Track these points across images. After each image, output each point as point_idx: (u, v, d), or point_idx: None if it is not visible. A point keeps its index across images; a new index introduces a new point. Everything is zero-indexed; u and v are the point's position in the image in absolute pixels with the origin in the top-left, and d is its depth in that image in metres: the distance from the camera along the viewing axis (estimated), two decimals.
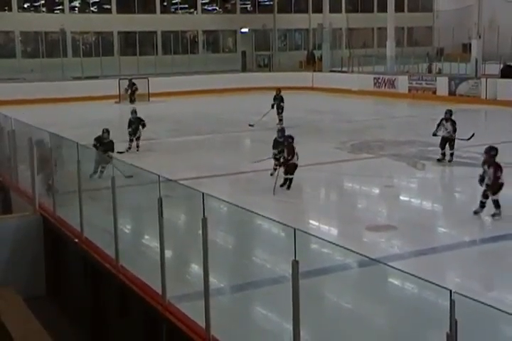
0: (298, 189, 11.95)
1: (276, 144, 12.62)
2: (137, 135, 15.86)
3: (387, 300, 6.94)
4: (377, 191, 12.71)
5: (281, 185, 11.75)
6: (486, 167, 9.60)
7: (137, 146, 15.93)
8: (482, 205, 9.71)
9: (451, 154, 14.09)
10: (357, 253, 7.72)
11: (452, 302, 2.73)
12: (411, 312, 5.99)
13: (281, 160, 12.07)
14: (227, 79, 33.26)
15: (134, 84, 28.82)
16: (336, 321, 6.55)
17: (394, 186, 12.91)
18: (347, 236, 9.21)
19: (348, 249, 7.63)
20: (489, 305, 3.03)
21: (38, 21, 33.38)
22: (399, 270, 5.97)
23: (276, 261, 7.61)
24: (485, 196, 9.67)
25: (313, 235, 6.01)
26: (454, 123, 13.90)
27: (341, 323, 6.31)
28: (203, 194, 5.51)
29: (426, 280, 3.27)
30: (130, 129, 15.86)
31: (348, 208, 11.39)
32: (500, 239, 9.17)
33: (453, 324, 2.66)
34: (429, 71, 32.56)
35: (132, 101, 28.39)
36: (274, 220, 7.43)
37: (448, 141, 14.08)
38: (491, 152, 9.63)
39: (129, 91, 28.55)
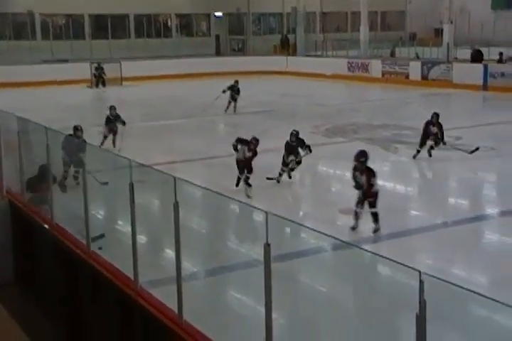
0: (272, 173, 11.92)
1: (289, 149, 11.53)
2: (115, 131, 14.44)
3: (360, 283, 6.98)
4: (349, 174, 12.74)
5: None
6: (357, 174, 8.66)
7: (113, 142, 14.41)
8: (356, 217, 8.60)
9: (432, 147, 13.19)
10: (330, 236, 7.77)
11: (421, 283, 2.73)
12: (383, 295, 6.02)
13: (291, 165, 11.44)
14: (201, 63, 32.97)
15: (101, 68, 28.44)
16: (310, 304, 6.56)
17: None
18: (321, 219, 9.23)
19: (322, 233, 7.68)
20: (457, 286, 3.04)
21: (4, 2, 32.55)
22: (371, 252, 6.01)
23: (250, 245, 7.61)
24: (360, 205, 8.63)
25: (286, 219, 6.01)
26: (441, 126, 13.10)
27: (315, 306, 6.32)
28: (174, 178, 5.44)
29: (396, 262, 3.27)
30: (107, 128, 14.40)
31: (321, 192, 11.42)
32: (472, 221, 9.28)
33: (422, 304, 2.67)
34: (392, 55, 32.70)
35: (99, 85, 28.06)
36: (247, 204, 7.43)
37: (434, 142, 13.15)
38: (361, 158, 8.66)
39: (97, 75, 28.24)
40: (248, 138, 11.13)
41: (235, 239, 8.88)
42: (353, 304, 6.60)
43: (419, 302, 2.73)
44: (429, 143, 13.05)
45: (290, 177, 11.61)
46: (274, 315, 4.19)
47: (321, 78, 30.61)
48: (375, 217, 8.45)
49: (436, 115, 13.12)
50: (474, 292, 3.17)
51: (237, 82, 20.08)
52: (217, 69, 31.96)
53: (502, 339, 5.56)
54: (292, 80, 31.29)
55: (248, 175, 10.78)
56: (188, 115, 20.01)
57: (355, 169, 8.70)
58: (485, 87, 24.60)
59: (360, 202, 8.61)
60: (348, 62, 31.18)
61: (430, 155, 13.14)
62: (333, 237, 7.43)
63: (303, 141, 11.53)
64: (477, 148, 12.59)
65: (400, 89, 26.51)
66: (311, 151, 11.42)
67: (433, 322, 3.40)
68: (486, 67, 24.82)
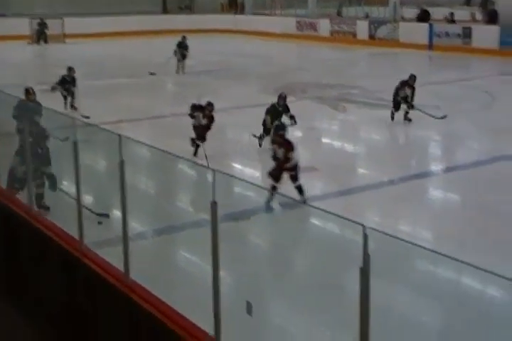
0: (222, 132, 11.79)
1: (275, 113, 10.64)
2: (73, 93, 13.89)
3: (309, 240, 7.03)
4: (299, 134, 12.73)
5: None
6: (275, 147, 8.01)
7: (72, 106, 13.90)
8: (272, 190, 7.77)
9: (407, 112, 12.64)
10: (280, 194, 7.78)
11: (365, 237, 2.73)
12: (332, 251, 6.06)
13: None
14: (147, 21, 32.18)
15: (44, 24, 27.43)
16: (259, 262, 6.58)
17: (316, 128, 12.96)
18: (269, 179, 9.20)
19: (270, 191, 7.69)
20: (402, 239, 3.06)
21: None
22: (320, 209, 6.03)
23: (197, 204, 7.55)
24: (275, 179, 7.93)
25: (235, 177, 5.95)
26: (414, 89, 12.52)
27: (263, 264, 6.34)
28: (119, 136, 5.29)
29: (340, 217, 3.26)
30: (64, 89, 13.85)
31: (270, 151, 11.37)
32: (417, 178, 9.41)
33: (366, 258, 2.67)
34: (338, 14, 32.58)
35: (40, 42, 27.10)
36: (194, 162, 7.34)
37: (405, 105, 12.68)
38: (279, 131, 8.15)
39: (39, 31, 27.27)
40: (194, 97, 10.91)
41: (184, 199, 8.81)
42: (300, 261, 6.65)
43: (363, 256, 2.73)
44: (404, 107, 12.54)
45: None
46: (221, 274, 4.17)
47: (270, 37, 30.30)
48: (300, 190, 7.85)
49: (414, 77, 12.55)
50: (419, 245, 3.19)
51: (184, 37, 19.59)
52: (163, 28, 31.25)
53: (445, 290, 5.70)
54: (240, 39, 30.88)
55: (200, 142, 10.17)
56: (134, 74, 19.54)
57: (273, 142, 8.12)
58: (430, 46, 24.80)
59: (275, 176, 7.86)
60: (297, 21, 30.91)
61: (409, 120, 12.58)
62: (282, 195, 7.48)
63: (288, 106, 10.82)
64: (445, 116, 12.18)
65: (348, 49, 26.49)
66: (296, 123, 10.60)
67: (379, 276, 3.44)
68: (431, 27, 24.98)
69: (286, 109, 10.73)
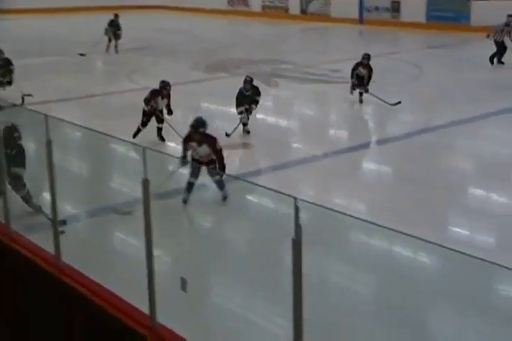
0: None
1: (241, 99, 10.07)
2: (9, 79, 12.51)
3: (246, 215, 7.03)
4: (233, 110, 12.67)
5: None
6: (194, 144, 7.22)
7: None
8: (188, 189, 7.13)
9: (361, 93, 12.20)
10: (214, 171, 7.73)
11: (296, 209, 2.73)
12: (267, 225, 6.08)
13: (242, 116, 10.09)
14: None
15: None
16: (195, 239, 6.54)
17: None
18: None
19: (206, 168, 7.63)
20: (333, 210, 3.08)
21: None
22: (254, 184, 6.03)
23: (131, 183, 7.41)
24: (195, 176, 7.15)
25: (167, 154, 5.89)
26: (371, 70, 11.96)
27: (199, 241, 6.31)
28: (45, 116, 5.10)
29: (273, 190, 3.24)
30: None
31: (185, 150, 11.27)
32: (350, 151, 9.52)
33: (298, 230, 2.67)
34: None
35: None
36: (125, 141, 7.18)
37: (361, 87, 12.13)
38: (199, 128, 7.25)
39: None
40: (125, 75, 10.63)
41: (117, 178, 8.64)
42: (235, 236, 6.64)
43: (295, 228, 2.74)
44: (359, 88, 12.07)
45: (248, 131, 10.24)
46: (157, 252, 4.11)
47: (201, 13, 29.89)
48: (221, 184, 7.18)
49: (367, 56, 11.98)
50: (349, 215, 3.22)
51: (116, 16, 19.05)
52: (89, 4, 30.34)
53: (377, 259, 5.81)
54: (170, 15, 30.35)
55: (160, 125, 9.83)
56: (61, 53, 18.94)
57: (190, 140, 7.23)
58: (361, 20, 25.03)
59: (195, 174, 7.14)
60: None
61: (361, 102, 12.16)
62: (217, 172, 7.43)
63: (258, 90, 10.23)
64: (399, 102, 11.60)
65: (280, 24, 26.43)
66: (256, 105, 10.23)
67: (312, 246, 3.46)
68: (361, 2, 25.15)
69: (257, 93, 10.14)
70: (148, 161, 4.01)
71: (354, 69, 12.04)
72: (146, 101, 9.71)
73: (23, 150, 6.83)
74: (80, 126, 6.27)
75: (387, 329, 4.73)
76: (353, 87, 12.11)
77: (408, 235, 3.02)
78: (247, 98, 10.06)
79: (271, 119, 12.22)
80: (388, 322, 4.82)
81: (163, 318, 3.94)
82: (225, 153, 7.49)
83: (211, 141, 7.20)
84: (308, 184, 8.27)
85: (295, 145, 10.24)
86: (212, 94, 13.39)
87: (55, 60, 18.01)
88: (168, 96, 9.87)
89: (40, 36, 22.85)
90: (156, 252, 4.00)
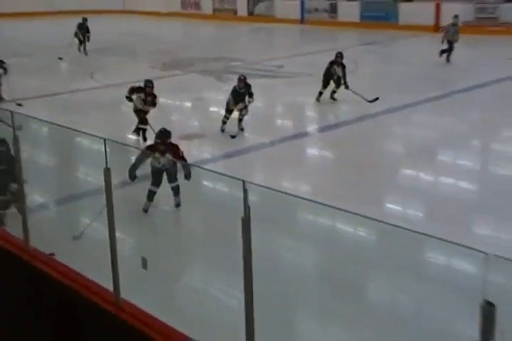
0: (115, 106, 11.40)
1: (236, 96, 9.61)
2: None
3: (199, 199, 6.97)
4: (188, 104, 12.56)
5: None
6: (157, 155, 6.56)
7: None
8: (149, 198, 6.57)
9: (334, 92, 11.71)
10: (172, 159, 7.62)
11: (245, 191, 2.69)
12: (220, 206, 6.03)
13: (241, 114, 9.65)
14: (29, 1, 29.99)
15: None
16: (154, 223, 6.46)
17: (203, 99, 12.78)
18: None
19: (167, 156, 7.51)
20: (279, 191, 3.05)
21: None
22: (206, 170, 5.97)
23: (95, 173, 7.26)
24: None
25: (127, 145, 5.78)
26: (344, 67, 11.44)
27: (159, 224, 6.23)
28: (11, 112, 4.92)
29: (223, 175, 3.20)
30: None
31: (161, 120, 11.11)
32: (294, 138, 9.53)
33: (246, 209, 2.63)
34: None
35: None
36: (87, 133, 7.00)
37: (335, 82, 11.60)
38: (167, 139, 6.63)
39: None
40: (88, 74, 10.32)
41: (83, 168, 8.46)
42: (191, 218, 6.58)
43: (244, 208, 2.70)
44: (332, 86, 11.61)
45: (242, 129, 9.78)
46: (120, 235, 4.03)
47: (157, 16, 29.43)
48: (176, 190, 6.60)
49: (340, 54, 11.43)
50: (295, 195, 3.20)
51: (85, 19, 18.51)
52: (48, 9, 29.49)
53: (321, 235, 5.84)
54: (129, 19, 29.77)
55: (144, 126, 9.21)
56: (23, 54, 18.35)
57: (156, 150, 6.62)
58: (302, 21, 25.05)
59: (156, 183, 6.57)
60: (181, 1, 30.17)
61: (334, 99, 11.72)
62: (174, 160, 7.32)
63: (250, 86, 9.73)
64: (377, 98, 11.06)
65: (230, 25, 26.23)
66: (252, 98, 9.73)
67: (262, 225, 3.44)
68: (302, 3, 25.16)
69: (249, 92, 9.66)
70: (112, 153, 3.91)
71: (329, 68, 11.42)
72: (128, 98, 9.20)
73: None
74: (46, 121, 6.08)
75: (331, 298, 4.76)
76: (323, 89, 11.57)
77: (349, 212, 3.03)
78: (242, 95, 9.60)
79: (223, 112, 12.12)
80: (332, 291, 4.86)
81: (127, 295, 3.87)
82: (183, 143, 7.37)
83: (174, 149, 6.65)
84: (257, 169, 8.26)
85: (245, 134, 10.18)
86: (168, 90, 13.20)
87: (21, 61, 17.47)
88: (153, 96, 9.22)
89: (12, 39, 22.14)
90: (118, 235, 3.92)
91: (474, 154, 9.19)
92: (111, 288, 3.81)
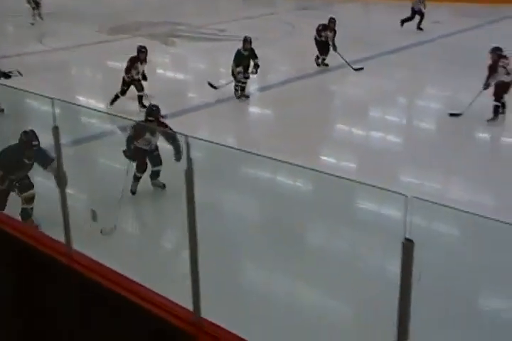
0: (63, 68, 10.91)
1: (239, 58, 8.86)
2: None
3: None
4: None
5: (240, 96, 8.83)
6: (148, 136, 5.75)
7: None
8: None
9: (324, 59, 11.07)
10: (121, 117, 7.37)
11: (188, 146, 2.59)
12: (168, 162, 5.90)
13: (245, 78, 8.90)
14: None
15: None
16: (104, 183, 6.25)
17: (150, 61, 12.35)
18: (111, 108, 8.72)
19: (115, 115, 7.23)
20: (221, 145, 2.97)
21: None
22: (157, 128, 5.80)
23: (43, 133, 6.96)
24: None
25: (73, 103, 5.52)
26: (335, 32, 10.86)
27: (108, 185, 6.01)
28: None
29: (170, 132, 3.08)
30: None
31: (107, 83, 10.73)
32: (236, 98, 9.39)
33: (189, 162, 2.54)
34: None
35: None
36: (31, 92, 6.66)
37: (326, 48, 10.96)
38: (153, 114, 5.86)
39: None
40: (36, 38, 9.69)
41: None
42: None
43: (187, 160, 2.61)
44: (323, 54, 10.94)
45: (247, 96, 9.03)
46: (71, 192, 3.88)
47: None
48: (158, 173, 5.94)
49: (333, 20, 10.85)
50: (234, 148, 3.14)
51: None
52: None
53: (262, 185, 5.84)
54: None
55: (141, 93, 8.52)
56: None
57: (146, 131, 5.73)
58: None
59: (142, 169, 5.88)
60: None
61: (327, 65, 11.03)
62: (123, 117, 7.10)
63: (254, 52, 8.94)
64: (362, 68, 10.65)
65: None
66: (257, 72, 8.98)
67: (206, 178, 3.36)
68: None
69: (253, 55, 8.91)
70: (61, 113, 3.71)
71: (320, 31, 10.84)
72: (127, 70, 8.50)
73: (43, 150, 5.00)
74: None
75: (272, 242, 4.79)
76: (320, 55, 10.94)
77: (287, 163, 2.98)
78: (245, 59, 8.89)
79: (169, 73, 11.82)
80: (272, 236, 4.88)
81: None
82: (129, 102, 7.10)
83: (168, 128, 5.76)
84: (201, 126, 8.12)
85: (190, 94, 9.99)
86: (117, 54, 12.71)
87: None
88: (145, 61, 8.66)
89: None
90: (69, 191, 3.78)
91: (401, 110, 9.33)
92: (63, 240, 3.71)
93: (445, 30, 14.04)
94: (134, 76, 8.51)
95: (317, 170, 3.23)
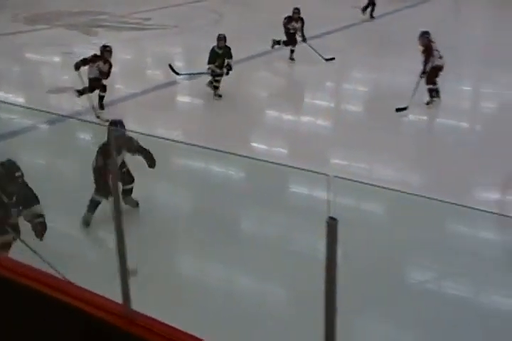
0: None
1: (213, 55, 8.43)
2: None
3: (76, 149, 6.64)
4: (57, 59, 11.70)
5: None
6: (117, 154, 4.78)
7: None
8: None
9: (292, 51, 10.68)
10: (49, 112, 7.11)
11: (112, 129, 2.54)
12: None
13: (216, 75, 8.42)
14: None
15: None
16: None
17: (73, 53, 11.96)
18: (32, 101, 8.40)
19: (40, 110, 6.96)
20: (147, 135, 2.94)
21: None
22: (84, 120, 5.65)
23: None
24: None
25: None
26: (303, 22, 10.50)
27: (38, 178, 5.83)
28: None
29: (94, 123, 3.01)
30: None
31: (25, 76, 10.33)
32: (164, 87, 9.26)
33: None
34: None
35: None
36: None
37: (294, 40, 10.58)
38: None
39: None
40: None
41: None
42: (72, 165, 6.27)
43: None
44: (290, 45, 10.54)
45: (219, 95, 8.50)
46: None
47: None
48: (131, 191, 5.18)
49: (297, 10, 10.48)
50: (164, 138, 3.10)
51: None
52: None
53: (195, 175, 5.81)
54: None
55: (103, 94, 7.99)
56: None
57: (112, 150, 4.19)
58: None
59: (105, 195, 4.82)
60: None
61: (292, 59, 10.65)
62: (51, 112, 6.87)
63: (230, 49, 8.49)
64: (333, 58, 10.37)
65: None
66: (228, 73, 8.50)
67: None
68: None
69: (228, 54, 8.50)
70: None
71: (286, 23, 10.49)
72: (84, 63, 7.80)
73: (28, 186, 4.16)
74: None
75: (205, 228, 4.79)
76: (292, 46, 10.53)
77: (218, 151, 2.99)
78: (219, 57, 8.46)
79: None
80: (205, 222, 4.88)
81: None
82: (52, 98, 6.83)
83: (129, 141, 4.94)
84: (132, 116, 7.95)
85: (117, 85, 9.74)
86: (35, 45, 12.23)
87: None
88: (110, 64, 7.98)
89: None
90: None
91: (330, 94, 9.51)
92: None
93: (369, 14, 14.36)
94: (94, 75, 7.86)
95: (245, 156, 3.28)
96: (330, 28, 13.07)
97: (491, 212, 4.72)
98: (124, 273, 2.30)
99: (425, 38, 7.88)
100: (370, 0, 14.14)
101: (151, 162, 4.98)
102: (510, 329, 3.72)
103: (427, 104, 7.99)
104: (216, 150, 4.61)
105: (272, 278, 4.36)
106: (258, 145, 7.17)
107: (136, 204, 5.16)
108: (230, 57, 8.50)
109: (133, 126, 7.37)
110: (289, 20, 10.51)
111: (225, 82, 9.07)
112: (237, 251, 4.54)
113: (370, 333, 3.85)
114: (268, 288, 4.38)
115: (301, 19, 10.51)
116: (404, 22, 13.83)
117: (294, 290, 4.21)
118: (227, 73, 8.47)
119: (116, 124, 4.94)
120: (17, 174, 3.99)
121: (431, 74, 7.87)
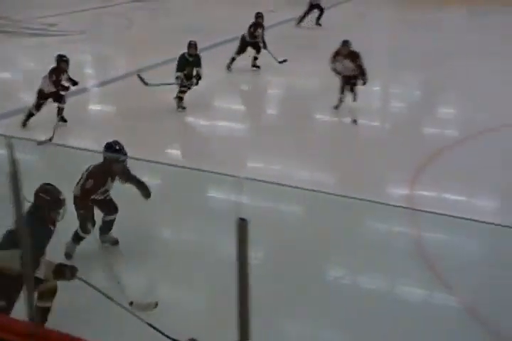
0: None
1: (183, 63, 8.00)
2: None
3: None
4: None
5: None
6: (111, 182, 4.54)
7: None
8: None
9: (255, 58, 10.34)
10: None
11: (11, 147, 2.38)
12: None
13: (183, 86, 8.00)
14: None
15: None
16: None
17: None
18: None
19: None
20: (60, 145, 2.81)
21: None
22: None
23: None
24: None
25: None
26: (264, 28, 10.28)
27: None
28: None
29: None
30: None
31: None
32: (102, 85, 8.93)
33: (14, 164, 2.29)
34: None
35: None
36: None
37: (257, 47, 10.26)
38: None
39: None
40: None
41: None
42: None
43: (11, 162, 2.40)
44: (252, 53, 10.22)
45: (183, 107, 8.10)
46: None
47: None
48: (113, 223, 4.71)
49: (261, 15, 10.19)
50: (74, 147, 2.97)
51: None
52: None
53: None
54: None
55: (62, 105, 7.34)
56: None
57: (111, 177, 4.49)
58: None
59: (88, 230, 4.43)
60: None
61: (257, 67, 10.40)
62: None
63: (200, 59, 8.11)
64: (285, 60, 10.13)
65: None
66: (197, 84, 8.10)
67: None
68: None
69: (198, 63, 8.09)
70: None
71: (254, 31, 10.10)
72: (57, 83, 7.22)
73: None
74: None
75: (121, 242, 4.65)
76: (257, 52, 10.22)
77: (135, 159, 2.90)
78: (189, 65, 8.03)
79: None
80: (121, 236, 4.74)
81: None
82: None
83: (126, 169, 4.48)
84: (33, 127, 7.56)
85: (19, 95, 9.29)
86: None
87: None
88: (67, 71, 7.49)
89: None
90: None
91: (247, 97, 9.59)
92: None
93: (280, 17, 14.53)
94: (45, 88, 7.30)
95: (157, 162, 3.23)
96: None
97: (401, 206, 4.93)
98: (31, 290, 2.19)
99: (347, 48, 7.81)
100: (311, 6, 14.03)
101: (146, 191, 4.44)
102: (421, 318, 3.90)
103: (336, 108, 8.12)
104: (133, 158, 4.52)
105: (187, 283, 4.34)
106: (174, 151, 7.09)
107: (116, 242, 4.66)
108: (199, 66, 8.12)
109: (33, 135, 7.00)
110: (255, 27, 10.13)
111: (135, 88, 8.84)
112: (158, 256, 4.46)
113: (287, 332, 3.91)
114: (186, 296, 4.34)
115: (263, 26, 10.27)
116: (313, 26, 14.20)
117: (211, 293, 4.21)
118: (197, 83, 8.11)
119: (115, 146, 4.38)
120: (61, 197, 3.71)
121: (342, 82, 7.96)
